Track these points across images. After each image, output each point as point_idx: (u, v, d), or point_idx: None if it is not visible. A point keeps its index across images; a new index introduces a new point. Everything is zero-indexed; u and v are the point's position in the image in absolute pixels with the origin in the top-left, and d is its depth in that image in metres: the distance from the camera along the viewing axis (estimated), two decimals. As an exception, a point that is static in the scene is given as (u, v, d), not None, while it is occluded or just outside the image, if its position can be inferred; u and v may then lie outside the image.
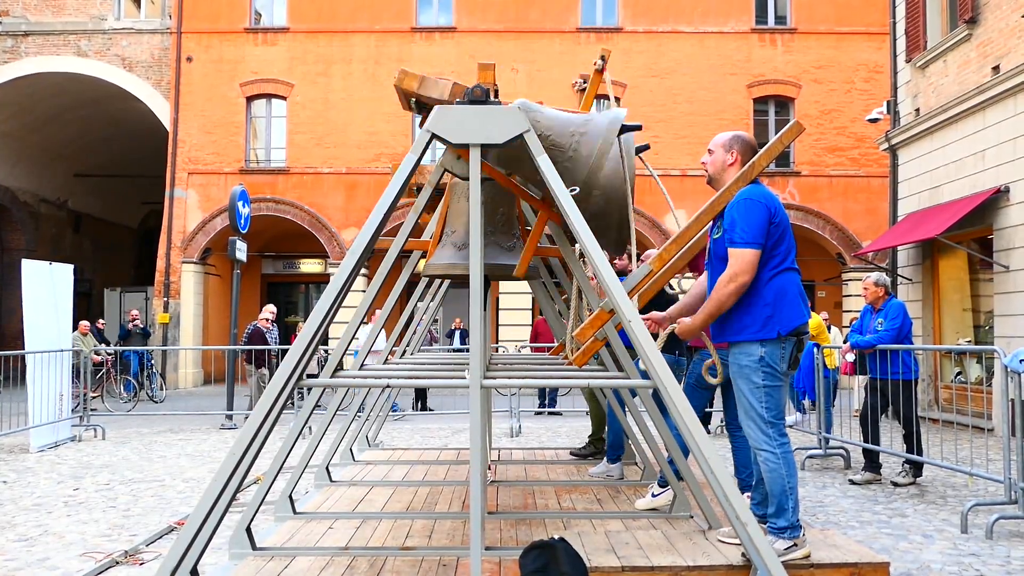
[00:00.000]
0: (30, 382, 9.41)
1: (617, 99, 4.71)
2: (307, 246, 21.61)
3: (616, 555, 3.69)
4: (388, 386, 5.46)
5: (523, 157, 3.40)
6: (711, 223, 3.83)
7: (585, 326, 3.71)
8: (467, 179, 3.43)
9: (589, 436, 7.17)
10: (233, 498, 3.19)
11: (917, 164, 12.95)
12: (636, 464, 6.24)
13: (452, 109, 3.34)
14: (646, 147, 4.11)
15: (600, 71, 4.70)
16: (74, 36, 20.74)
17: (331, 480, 5.76)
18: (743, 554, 3.53)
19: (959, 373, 11.93)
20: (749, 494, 4.20)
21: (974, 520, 5.55)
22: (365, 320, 6.69)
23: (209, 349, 19.17)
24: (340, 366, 3.89)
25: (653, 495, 4.90)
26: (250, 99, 20.83)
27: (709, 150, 3.94)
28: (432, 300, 7.13)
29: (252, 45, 20.86)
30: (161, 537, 5.35)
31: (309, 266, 23.85)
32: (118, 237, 28.47)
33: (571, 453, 7.20)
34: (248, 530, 3.92)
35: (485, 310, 4.01)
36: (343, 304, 3.65)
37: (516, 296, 19.71)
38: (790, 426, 10.39)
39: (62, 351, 10.01)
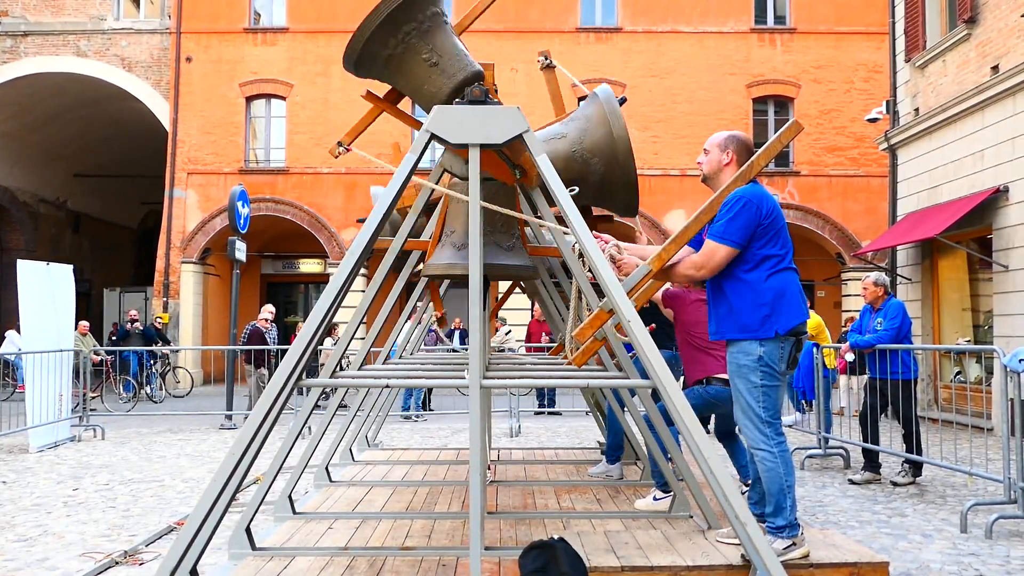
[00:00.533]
0: (28, 383, 9.41)
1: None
2: (306, 246, 21.60)
3: (616, 555, 3.69)
4: (387, 386, 5.46)
5: None
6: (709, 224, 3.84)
7: (584, 326, 3.71)
8: (466, 179, 3.43)
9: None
10: (233, 498, 3.18)
11: (916, 164, 12.96)
12: (636, 464, 6.24)
13: (452, 109, 3.34)
14: (624, 100, 4.13)
15: (549, 67, 4.68)
16: (73, 36, 20.73)
17: (331, 480, 5.76)
18: (742, 554, 3.53)
19: (958, 373, 11.93)
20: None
21: (973, 520, 5.56)
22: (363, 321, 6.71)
23: (208, 349, 19.16)
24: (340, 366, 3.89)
25: (655, 499, 4.89)
26: (249, 99, 20.83)
27: (705, 150, 3.94)
28: (432, 301, 7.12)
29: (251, 45, 20.86)
30: (161, 537, 5.35)
31: (308, 266, 23.85)
32: (117, 237, 28.46)
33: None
34: (248, 530, 3.92)
35: (485, 310, 4.01)
36: (342, 304, 3.65)
37: (515, 296, 19.65)
38: (789, 426, 10.39)
39: (61, 351, 10.01)
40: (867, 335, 7.32)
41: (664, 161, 19.90)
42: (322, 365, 4.91)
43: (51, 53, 20.70)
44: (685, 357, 5.19)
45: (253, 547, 3.93)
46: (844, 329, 13.03)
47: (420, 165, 3.39)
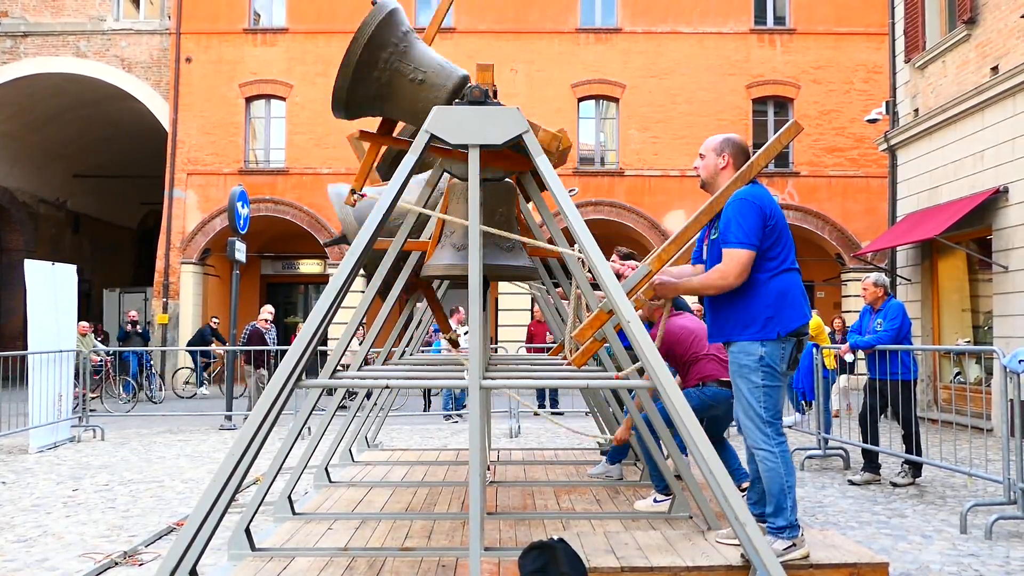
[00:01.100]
0: (31, 383, 9.41)
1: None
2: (306, 247, 21.60)
3: (615, 556, 3.69)
4: (387, 387, 5.46)
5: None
6: (707, 225, 3.84)
7: (584, 327, 3.71)
8: (466, 179, 3.43)
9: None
10: (232, 499, 3.18)
11: (916, 164, 12.96)
12: (636, 465, 6.24)
13: (451, 110, 3.35)
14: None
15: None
16: (73, 37, 20.73)
17: (330, 481, 5.76)
18: (742, 555, 3.53)
19: (958, 373, 11.93)
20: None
21: (973, 520, 5.55)
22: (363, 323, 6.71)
23: (208, 350, 19.14)
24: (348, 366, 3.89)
25: (655, 500, 4.89)
26: (249, 100, 20.83)
27: (700, 154, 3.94)
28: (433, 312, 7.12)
29: (251, 46, 20.86)
30: (160, 538, 5.35)
31: (308, 267, 23.85)
32: (117, 238, 28.46)
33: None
34: (247, 531, 3.92)
35: (484, 311, 4.01)
36: (342, 305, 3.65)
37: (515, 297, 19.72)
38: (789, 426, 10.39)
39: (63, 351, 10.01)
40: (867, 336, 7.32)
41: (664, 162, 19.90)
42: (346, 367, 4.90)
43: (51, 54, 20.70)
44: (680, 370, 5.26)
45: (253, 548, 3.93)
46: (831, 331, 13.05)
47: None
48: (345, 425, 6.37)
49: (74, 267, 10.65)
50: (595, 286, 4.46)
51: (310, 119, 20.41)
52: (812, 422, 9.32)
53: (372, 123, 4.11)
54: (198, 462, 8.56)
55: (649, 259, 3.84)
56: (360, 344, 8.32)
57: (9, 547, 5.17)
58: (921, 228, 11.88)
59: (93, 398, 12.99)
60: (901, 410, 7.05)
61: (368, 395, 6.99)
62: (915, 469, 7.13)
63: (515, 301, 19.97)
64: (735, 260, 3.60)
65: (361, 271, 3.66)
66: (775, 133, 3.76)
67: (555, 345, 7.18)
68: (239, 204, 12.42)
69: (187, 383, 18.76)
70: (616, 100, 20.40)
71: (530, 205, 4.95)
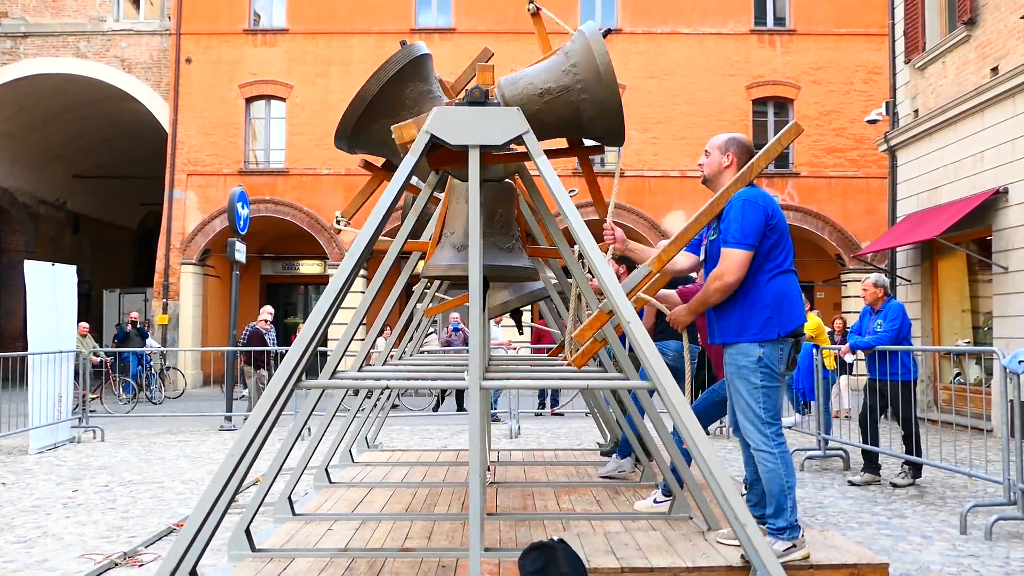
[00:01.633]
0: (31, 383, 9.40)
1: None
2: (306, 247, 21.61)
3: (615, 556, 3.69)
4: (387, 387, 5.46)
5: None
6: (707, 226, 3.84)
7: (584, 327, 3.71)
8: (466, 180, 3.43)
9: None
10: (232, 499, 3.18)
11: (916, 165, 12.96)
12: (636, 466, 6.23)
13: (451, 110, 3.34)
14: (608, 32, 4.10)
15: (535, 14, 4.61)
16: (73, 37, 20.74)
17: (330, 481, 5.76)
18: (742, 555, 3.53)
19: (958, 374, 11.93)
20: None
21: (973, 521, 5.55)
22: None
23: (208, 350, 19.17)
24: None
25: (656, 501, 4.88)
26: (249, 100, 20.84)
27: (706, 151, 3.96)
28: (431, 302, 7.12)
29: (251, 46, 20.87)
30: (160, 538, 5.35)
31: (308, 267, 23.85)
32: (117, 238, 28.46)
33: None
34: (247, 531, 3.92)
35: (484, 311, 4.01)
36: (342, 305, 3.65)
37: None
38: (789, 427, 10.39)
39: (63, 352, 10.01)
40: (867, 336, 7.32)
41: (664, 162, 19.91)
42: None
43: (51, 54, 20.70)
44: (715, 353, 5.22)
45: (253, 548, 3.93)
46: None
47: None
48: (345, 426, 6.37)
49: (74, 268, 10.65)
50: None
51: (310, 120, 20.42)
52: (812, 423, 9.31)
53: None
54: (198, 463, 8.56)
55: (649, 260, 3.84)
56: (384, 342, 8.29)
57: (9, 548, 5.17)
58: (921, 229, 11.88)
59: (93, 399, 12.99)
60: (901, 411, 7.05)
61: (368, 395, 6.99)
62: (915, 470, 7.13)
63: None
64: (732, 260, 3.61)
65: (362, 271, 3.66)
66: (775, 134, 3.77)
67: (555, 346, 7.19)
68: (239, 205, 12.42)
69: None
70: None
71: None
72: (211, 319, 21.36)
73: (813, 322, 10.44)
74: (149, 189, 24.96)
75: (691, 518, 4.46)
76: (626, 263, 6.12)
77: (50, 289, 9.94)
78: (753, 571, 3.35)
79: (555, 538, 3.26)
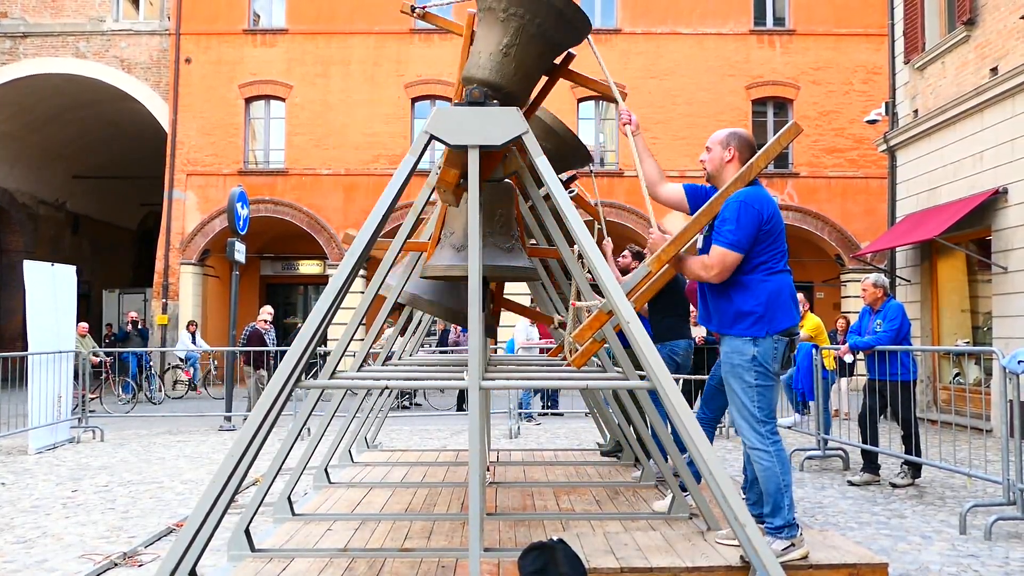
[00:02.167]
0: (31, 384, 9.40)
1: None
2: (306, 247, 21.59)
3: (615, 556, 3.69)
4: (387, 387, 5.46)
5: None
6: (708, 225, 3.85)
7: (584, 327, 3.71)
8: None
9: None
10: (232, 500, 3.18)
11: (915, 165, 12.97)
12: (636, 466, 6.24)
13: (451, 110, 3.35)
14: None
15: (422, 16, 4.46)
16: (72, 37, 20.73)
17: (330, 481, 5.76)
18: (741, 555, 3.53)
19: (957, 374, 11.94)
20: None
21: (973, 521, 5.56)
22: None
23: (208, 351, 19.16)
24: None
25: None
26: (249, 100, 20.83)
27: (707, 147, 3.98)
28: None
29: (251, 46, 20.86)
30: (160, 539, 5.35)
31: (308, 267, 23.84)
32: (117, 238, 28.45)
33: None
34: (247, 531, 3.92)
35: (483, 311, 4.00)
36: (342, 305, 3.65)
37: (515, 297, 19.66)
38: (789, 427, 10.40)
39: (62, 352, 10.01)
40: (866, 336, 7.33)
41: (663, 163, 19.66)
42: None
43: (50, 54, 20.69)
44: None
45: (252, 548, 3.93)
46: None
47: (420, 166, 3.39)
48: (345, 426, 6.37)
49: (73, 268, 10.65)
50: (595, 287, 4.46)
51: (310, 120, 20.41)
52: (812, 423, 9.32)
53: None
54: (197, 463, 8.55)
55: (649, 260, 3.84)
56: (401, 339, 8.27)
57: (8, 548, 5.16)
58: (920, 229, 11.88)
59: (92, 399, 12.99)
60: (900, 411, 7.05)
61: (368, 395, 6.98)
62: (914, 470, 7.13)
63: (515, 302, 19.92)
64: (720, 259, 3.64)
65: (361, 271, 3.67)
66: (775, 134, 3.77)
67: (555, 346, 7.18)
68: (238, 205, 12.41)
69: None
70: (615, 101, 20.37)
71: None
72: (211, 319, 21.34)
73: (813, 322, 10.45)
74: (149, 189, 24.93)
75: (691, 518, 4.46)
76: (641, 259, 6.12)
77: (50, 289, 9.94)
78: (753, 571, 3.35)
79: (555, 538, 3.26)
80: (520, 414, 12.08)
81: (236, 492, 3.22)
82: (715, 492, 3.13)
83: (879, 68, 18.62)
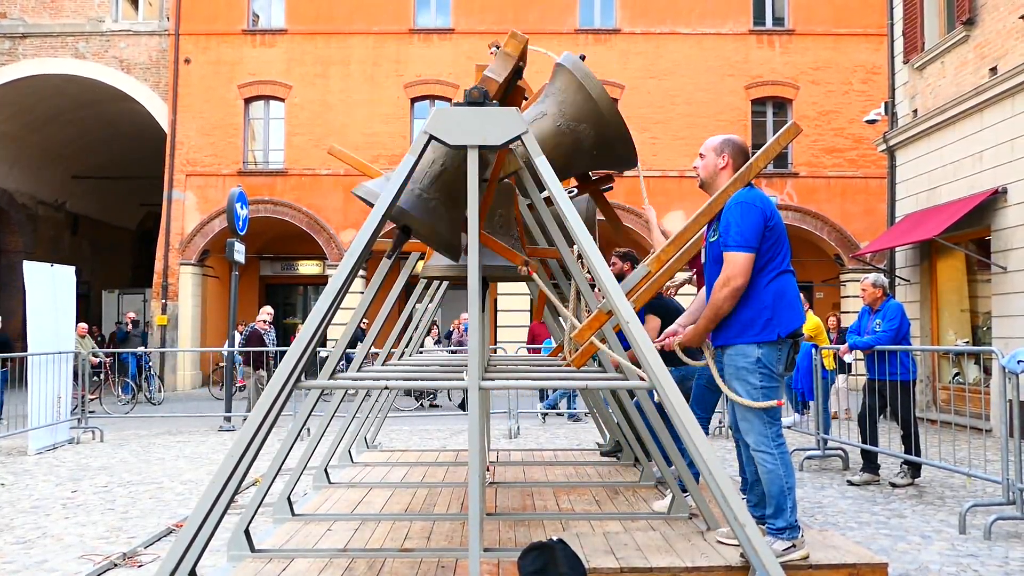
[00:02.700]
0: (30, 384, 9.40)
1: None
2: (305, 248, 21.60)
3: (615, 556, 3.69)
4: (386, 387, 5.46)
5: None
6: (707, 226, 3.84)
7: (583, 327, 3.71)
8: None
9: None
10: (231, 500, 3.18)
11: (915, 165, 12.97)
12: (635, 466, 6.24)
13: (451, 110, 3.34)
14: (583, 57, 4.13)
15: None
16: (72, 38, 20.73)
17: (329, 482, 5.76)
18: (741, 555, 3.53)
19: (957, 374, 11.94)
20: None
21: (972, 521, 5.56)
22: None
23: (207, 351, 19.16)
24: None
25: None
26: (248, 100, 20.83)
27: (700, 154, 3.95)
28: (430, 302, 7.13)
29: (250, 47, 20.86)
30: (159, 539, 5.35)
31: (307, 268, 23.85)
32: (116, 239, 28.45)
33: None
34: (247, 532, 3.92)
35: (484, 311, 4.01)
36: (341, 306, 3.65)
37: (514, 297, 19.71)
38: (788, 427, 10.40)
39: (62, 353, 10.00)
40: (866, 336, 7.33)
41: (663, 162, 19.90)
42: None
43: (49, 55, 20.69)
44: None
45: (252, 549, 3.93)
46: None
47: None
48: (344, 426, 6.37)
49: (73, 268, 10.64)
50: (594, 287, 4.47)
51: (309, 120, 20.42)
52: (811, 423, 9.32)
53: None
54: (197, 463, 8.55)
55: (648, 260, 3.84)
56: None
57: (8, 549, 5.16)
58: (920, 229, 11.88)
59: (92, 399, 12.99)
60: (900, 410, 7.05)
61: (368, 395, 6.98)
62: (914, 469, 7.13)
63: (515, 301, 19.97)
64: (737, 263, 3.60)
65: (361, 272, 3.66)
66: (774, 134, 3.77)
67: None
68: (238, 205, 12.41)
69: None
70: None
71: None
72: (210, 320, 21.35)
73: (812, 322, 10.45)
74: (148, 190, 24.94)
75: (691, 518, 4.46)
76: (631, 261, 6.12)
77: (49, 290, 9.94)
78: (752, 571, 3.35)
79: (554, 538, 3.26)
80: (547, 414, 12.13)
81: (236, 492, 3.21)
82: (715, 492, 3.12)
83: (878, 68, 18.63)
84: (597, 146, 3.97)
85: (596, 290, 4.45)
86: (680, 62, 20.29)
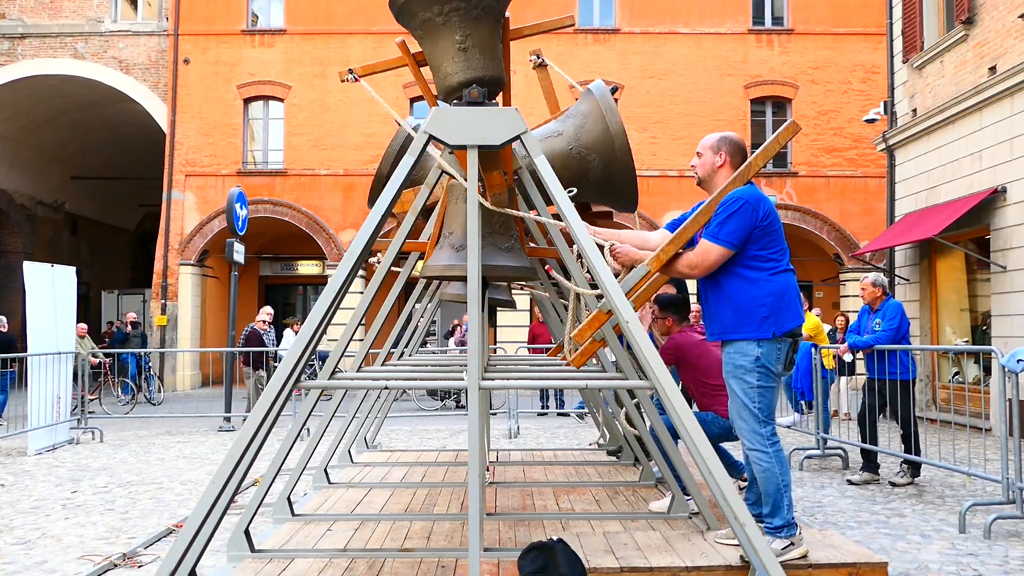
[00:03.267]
0: (30, 385, 9.40)
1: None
2: (305, 248, 21.60)
3: (615, 556, 3.69)
4: (386, 387, 5.46)
5: None
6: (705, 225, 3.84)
7: (583, 327, 3.71)
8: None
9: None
10: (231, 500, 3.18)
11: (914, 164, 12.98)
12: (635, 466, 6.24)
13: (450, 110, 3.34)
14: (615, 89, 4.16)
15: (542, 66, 4.67)
16: (71, 38, 20.73)
17: (329, 482, 5.75)
18: (741, 555, 3.53)
19: (956, 373, 11.94)
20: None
21: (972, 520, 5.56)
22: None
23: (207, 351, 19.16)
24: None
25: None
26: (247, 101, 20.83)
27: (697, 153, 3.95)
28: (430, 301, 7.13)
29: (249, 47, 20.86)
30: (159, 539, 5.35)
31: (307, 268, 23.85)
32: (115, 240, 28.45)
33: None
34: (246, 532, 3.92)
35: (483, 311, 4.00)
36: (341, 306, 3.65)
37: (514, 297, 19.68)
38: (788, 427, 10.40)
39: (62, 353, 10.00)
40: (866, 336, 7.33)
41: (662, 162, 19.91)
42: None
43: (48, 55, 20.69)
44: (705, 401, 5.22)
45: (252, 549, 3.93)
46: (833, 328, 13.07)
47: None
48: (344, 426, 6.37)
49: (73, 269, 10.64)
50: (594, 287, 4.46)
51: (308, 120, 20.41)
52: (811, 422, 9.32)
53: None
54: (197, 463, 8.55)
55: (648, 259, 3.83)
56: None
57: (8, 549, 5.16)
58: (919, 228, 11.89)
59: (92, 400, 12.98)
60: (900, 410, 7.05)
61: (366, 395, 6.98)
62: (914, 469, 7.13)
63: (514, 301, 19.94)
64: (707, 254, 3.62)
65: (360, 272, 3.66)
66: (773, 133, 3.77)
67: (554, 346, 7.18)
68: (237, 205, 12.41)
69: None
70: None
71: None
72: (210, 320, 21.35)
73: (811, 321, 10.45)
74: (147, 190, 24.93)
75: (691, 517, 4.46)
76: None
77: (49, 290, 9.94)
78: (752, 570, 3.35)
79: (554, 538, 3.26)
80: (583, 415, 12.15)
81: (236, 492, 3.21)
82: (715, 492, 3.12)
83: (878, 67, 18.64)
84: (603, 180, 3.98)
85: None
86: (679, 62, 20.30)
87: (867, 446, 7.30)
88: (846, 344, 7.60)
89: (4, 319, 12.86)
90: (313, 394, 4.44)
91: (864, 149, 19.21)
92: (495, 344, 16.91)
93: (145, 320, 20.99)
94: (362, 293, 4.18)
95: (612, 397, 6.11)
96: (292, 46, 20.71)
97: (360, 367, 4.46)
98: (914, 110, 12.98)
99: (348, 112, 20.31)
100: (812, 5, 20.24)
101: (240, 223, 12.52)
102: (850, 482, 7.22)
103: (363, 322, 13.82)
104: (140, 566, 4.74)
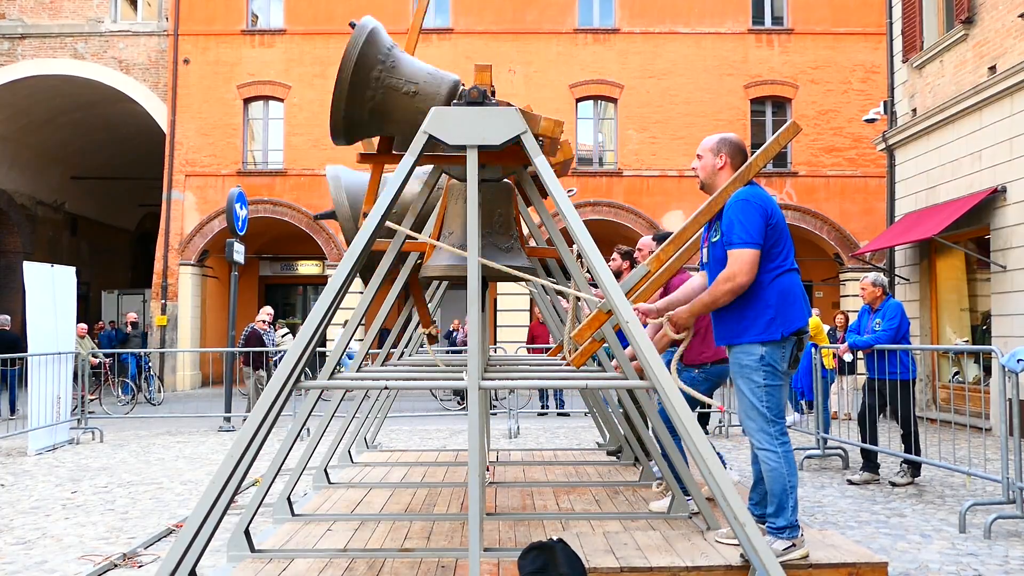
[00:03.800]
0: (30, 385, 9.40)
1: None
2: (305, 248, 21.60)
3: (615, 556, 3.69)
4: (386, 387, 5.46)
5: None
6: (707, 226, 3.84)
7: (583, 327, 3.71)
8: (464, 180, 3.43)
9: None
10: (231, 500, 3.18)
11: (914, 164, 12.97)
12: (635, 466, 6.24)
13: (450, 110, 3.34)
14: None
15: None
16: (71, 38, 20.72)
17: (329, 482, 5.76)
18: (741, 555, 3.53)
19: (957, 373, 11.94)
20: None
21: (972, 520, 5.56)
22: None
23: (207, 352, 19.16)
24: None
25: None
26: (247, 101, 20.83)
27: (698, 155, 3.94)
28: (430, 301, 7.12)
29: (249, 47, 20.86)
30: (159, 539, 5.34)
31: (307, 268, 23.85)
32: (115, 240, 28.44)
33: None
34: (246, 532, 3.92)
35: (483, 311, 4.01)
36: (341, 306, 3.65)
37: (514, 297, 19.72)
38: (788, 426, 10.38)
39: (62, 354, 10.00)
40: (866, 335, 7.33)
41: (662, 162, 19.91)
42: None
43: (48, 55, 20.68)
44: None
45: (252, 549, 3.93)
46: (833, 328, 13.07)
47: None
48: (344, 426, 6.37)
49: (73, 269, 10.64)
50: (594, 286, 4.46)
51: (308, 120, 20.41)
52: (811, 422, 9.32)
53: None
54: (197, 464, 8.55)
55: (648, 259, 3.84)
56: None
57: (8, 549, 5.16)
58: (919, 228, 11.89)
59: (92, 400, 12.98)
60: (900, 410, 7.05)
61: (366, 395, 6.98)
62: (914, 469, 7.13)
63: (514, 301, 19.98)
64: (742, 260, 3.58)
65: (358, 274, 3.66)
66: (773, 133, 3.77)
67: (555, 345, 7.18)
68: (237, 205, 12.40)
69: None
70: (614, 100, 20.41)
71: (529, 208, 4.96)
72: (210, 320, 21.35)
73: (811, 321, 10.45)
74: (147, 190, 24.93)
75: (691, 517, 4.46)
76: (630, 260, 6.10)
77: (49, 290, 9.94)
78: (752, 570, 3.35)
79: (554, 538, 3.26)
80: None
81: (236, 492, 3.21)
82: (715, 492, 3.12)
83: (877, 67, 18.64)
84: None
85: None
86: (679, 61, 20.30)
87: (867, 446, 7.30)
88: (846, 344, 7.61)
89: (7, 318, 12.87)
90: (313, 394, 4.44)
91: (864, 149, 19.21)
92: (495, 344, 16.92)
93: (145, 320, 20.99)
94: (362, 293, 4.17)
95: (614, 397, 6.12)
96: (292, 46, 20.71)
97: (360, 367, 4.46)
98: (914, 110, 12.98)
99: (348, 112, 20.27)
100: (812, 5, 20.24)
101: (240, 223, 12.52)
102: (850, 482, 7.22)
103: (363, 322, 13.82)
104: (140, 566, 4.74)
